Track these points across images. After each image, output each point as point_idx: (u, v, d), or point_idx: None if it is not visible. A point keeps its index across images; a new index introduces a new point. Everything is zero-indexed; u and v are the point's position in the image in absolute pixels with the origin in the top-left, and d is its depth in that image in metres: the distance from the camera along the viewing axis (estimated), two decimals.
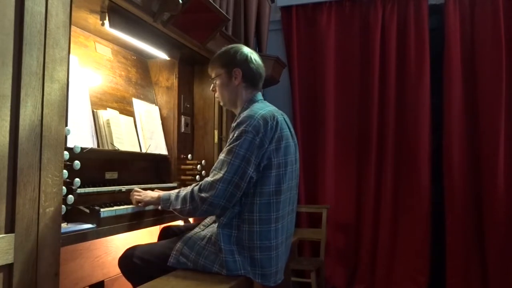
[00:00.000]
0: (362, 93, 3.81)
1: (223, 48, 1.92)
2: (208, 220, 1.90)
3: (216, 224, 1.75)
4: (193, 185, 1.72)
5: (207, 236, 1.75)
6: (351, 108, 3.83)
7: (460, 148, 3.51)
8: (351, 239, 3.78)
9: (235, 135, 1.68)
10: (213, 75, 1.91)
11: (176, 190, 1.78)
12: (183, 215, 1.76)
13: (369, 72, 3.78)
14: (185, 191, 1.73)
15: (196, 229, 1.86)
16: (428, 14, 3.65)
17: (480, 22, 3.52)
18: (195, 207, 1.66)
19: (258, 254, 1.67)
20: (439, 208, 3.59)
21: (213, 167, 1.70)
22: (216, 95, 1.95)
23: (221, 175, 1.63)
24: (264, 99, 1.95)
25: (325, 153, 3.86)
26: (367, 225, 3.72)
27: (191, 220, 2.40)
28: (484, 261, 3.42)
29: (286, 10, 4.07)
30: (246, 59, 1.84)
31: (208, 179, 1.67)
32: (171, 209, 1.76)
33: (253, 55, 1.87)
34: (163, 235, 2.08)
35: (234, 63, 1.83)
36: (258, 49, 3.64)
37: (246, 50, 1.87)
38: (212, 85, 1.93)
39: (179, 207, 1.71)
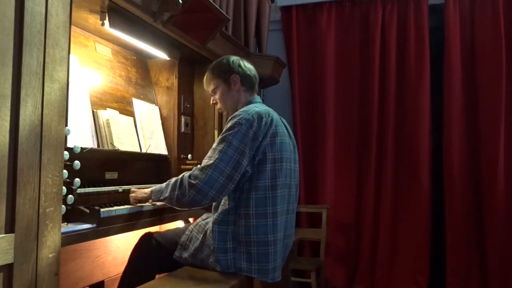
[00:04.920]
0: (362, 93, 3.81)
1: (213, 63, 2.00)
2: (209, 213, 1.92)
3: (213, 218, 1.76)
4: (185, 172, 1.73)
5: (205, 230, 1.77)
6: (351, 108, 3.83)
7: (460, 148, 3.51)
8: (351, 239, 3.78)
9: (228, 126, 1.71)
10: (211, 88, 1.96)
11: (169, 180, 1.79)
12: (173, 204, 1.74)
13: (369, 72, 3.77)
14: (175, 178, 1.74)
15: (199, 219, 1.89)
16: (428, 14, 3.65)
17: (480, 22, 3.52)
18: (183, 193, 1.65)
19: (254, 248, 1.68)
20: (439, 208, 3.59)
21: (205, 156, 1.71)
22: (217, 107, 1.99)
23: (212, 161, 1.64)
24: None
25: (325, 153, 3.86)
26: (367, 225, 3.72)
27: (191, 220, 2.40)
28: (484, 261, 3.42)
29: (286, 10, 4.07)
30: (240, 65, 1.92)
31: (199, 166, 1.69)
32: (162, 199, 1.76)
33: (244, 61, 1.96)
34: (141, 241, 1.95)
35: (230, 71, 1.91)
36: (258, 49, 3.63)
37: (236, 57, 1.97)
38: (212, 98, 1.99)
39: (168, 194, 1.72)
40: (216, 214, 1.74)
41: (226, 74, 1.90)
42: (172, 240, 1.86)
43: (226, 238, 1.70)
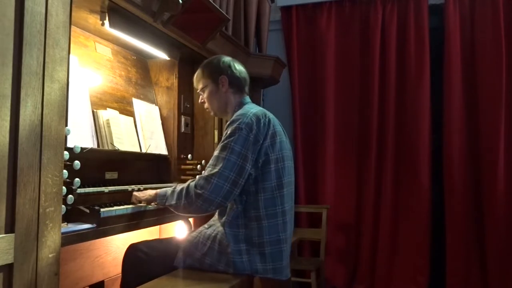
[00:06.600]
0: (362, 93, 3.81)
1: (204, 61, 2.00)
2: (212, 219, 1.91)
3: (220, 222, 1.76)
4: (190, 180, 1.74)
5: (212, 235, 1.77)
6: (351, 108, 3.83)
7: (460, 148, 3.51)
8: (351, 239, 3.78)
9: (228, 132, 1.72)
10: (200, 87, 1.97)
11: (174, 186, 1.80)
12: (179, 211, 1.76)
13: (369, 72, 3.78)
14: (180, 186, 1.74)
15: (201, 228, 1.88)
16: (428, 14, 3.65)
17: (480, 22, 3.52)
18: (190, 202, 1.67)
19: (268, 248, 1.69)
20: (439, 208, 3.59)
21: (208, 164, 1.71)
22: (205, 106, 1.99)
23: (216, 170, 1.65)
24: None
25: (325, 152, 3.86)
26: (367, 225, 3.72)
27: (191, 220, 2.40)
28: (484, 261, 3.42)
29: (286, 10, 4.07)
30: (229, 66, 1.91)
31: (203, 174, 1.69)
32: (167, 205, 1.77)
33: (235, 62, 1.95)
34: (128, 254, 1.89)
35: (219, 71, 1.90)
36: (258, 49, 3.63)
37: (227, 58, 1.96)
38: (200, 97, 1.99)
39: (174, 202, 1.72)
40: (225, 217, 1.74)
41: (215, 74, 1.90)
42: (165, 250, 1.83)
43: (238, 241, 1.70)
